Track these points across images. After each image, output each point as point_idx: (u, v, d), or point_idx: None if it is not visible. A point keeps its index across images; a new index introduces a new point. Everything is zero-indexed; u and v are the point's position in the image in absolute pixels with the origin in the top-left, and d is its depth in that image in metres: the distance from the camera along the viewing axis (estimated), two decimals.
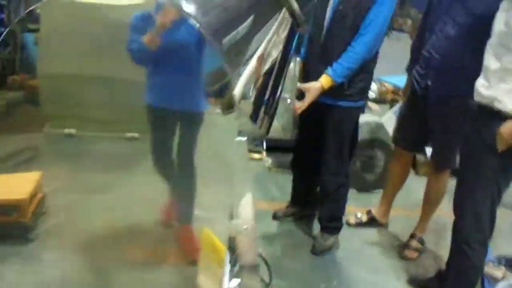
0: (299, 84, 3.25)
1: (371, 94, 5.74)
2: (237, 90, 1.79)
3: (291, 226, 3.94)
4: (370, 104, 5.44)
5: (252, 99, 1.94)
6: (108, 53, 1.52)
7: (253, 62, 1.86)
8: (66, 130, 1.59)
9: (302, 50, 3.48)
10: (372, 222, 3.98)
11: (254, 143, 5.01)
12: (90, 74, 1.55)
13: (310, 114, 3.35)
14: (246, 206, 1.78)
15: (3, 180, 1.65)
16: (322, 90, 3.14)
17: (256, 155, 5.12)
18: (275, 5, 1.95)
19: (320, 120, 3.36)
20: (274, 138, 4.97)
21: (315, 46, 3.30)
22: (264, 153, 4.92)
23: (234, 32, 1.74)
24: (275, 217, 3.99)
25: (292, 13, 1.95)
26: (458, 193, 2.89)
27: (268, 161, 4.96)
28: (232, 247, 1.71)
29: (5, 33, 1.56)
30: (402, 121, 3.65)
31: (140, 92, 1.55)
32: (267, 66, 1.97)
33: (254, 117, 1.98)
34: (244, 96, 1.84)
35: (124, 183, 1.63)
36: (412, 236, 3.72)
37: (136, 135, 1.59)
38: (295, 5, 1.92)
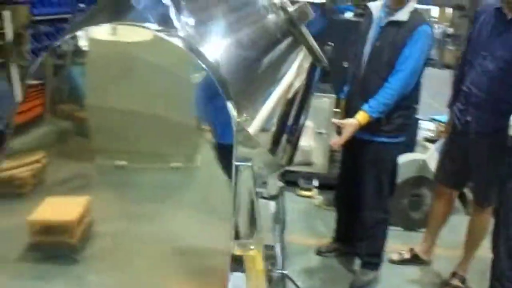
0: (335, 120, 3.32)
1: (428, 134, 5.69)
2: (255, 125, 1.91)
3: (333, 262, 3.96)
4: (426, 143, 5.41)
5: (273, 131, 2.04)
6: (147, 90, 1.66)
7: (274, 97, 1.97)
8: (117, 162, 1.69)
9: (345, 88, 3.58)
10: (415, 259, 3.94)
11: (305, 181, 5.12)
12: (133, 109, 1.67)
13: (350, 150, 3.42)
14: None
15: (54, 203, 1.76)
16: (358, 127, 3.20)
17: (306, 193, 5.22)
18: (295, 44, 2.05)
19: (359, 156, 3.42)
20: (325, 176, 5.03)
21: (355, 83, 3.39)
22: (315, 190, 5.02)
23: (253, 69, 1.86)
24: (318, 252, 4.03)
25: (310, 50, 2.06)
26: (495, 231, 2.87)
27: (319, 198, 5.02)
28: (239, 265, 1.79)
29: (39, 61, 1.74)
30: (444, 157, 3.65)
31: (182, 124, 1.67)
32: (288, 100, 2.07)
33: (274, 148, 2.08)
34: (264, 129, 1.95)
35: (169, 213, 1.70)
36: (454, 274, 3.66)
37: (180, 164, 1.68)
38: (313, 43, 2.03)
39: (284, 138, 2.15)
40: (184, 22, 1.74)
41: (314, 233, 4.45)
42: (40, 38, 6.19)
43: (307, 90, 2.21)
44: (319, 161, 4.47)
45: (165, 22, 1.71)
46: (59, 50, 1.69)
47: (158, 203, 1.70)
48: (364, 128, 3.23)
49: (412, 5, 3.23)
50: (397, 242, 4.20)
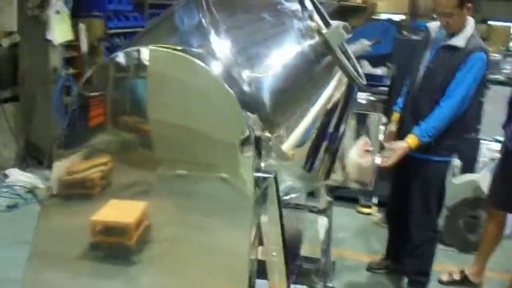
0: (386, 144, 3.35)
1: (493, 155, 5.60)
2: (290, 140, 2.04)
3: (382, 278, 3.99)
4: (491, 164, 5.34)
5: (308, 147, 2.16)
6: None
7: (310, 115, 2.09)
8: (178, 171, 1.80)
9: (399, 100, 3.65)
10: (465, 281, 3.90)
11: (365, 198, 5.19)
12: (186, 124, 1.80)
13: (400, 166, 3.47)
14: None
15: (116, 205, 1.87)
16: (408, 150, 3.24)
17: (366, 210, 5.28)
18: (332, 64, 2.15)
19: (407, 172, 3.46)
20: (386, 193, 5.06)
21: (408, 100, 3.46)
22: (375, 208, 5.06)
23: (290, 90, 1.99)
24: (369, 268, 4.07)
25: (344, 71, 2.14)
26: None
27: (378, 216, 5.05)
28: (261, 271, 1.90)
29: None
30: (496, 179, 3.63)
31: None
32: (324, 118, 2.18)
33: (308, 164, 2.20)
34: (299, 145, 2.08)
35: (224, 226, 1.77)
36: None
37: (227, 176, 1.75)
38: (346, 64, 2.11)
39: (320, 154, 2.26)
40: (222, 46, 1.91)
41: (368, 249, 4.50)
42: (114, 50, 6.41)
43: (345, 107, 2.30)
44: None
45: (204, 46, 1.88)
46: (119, 63, 1.89)
47: (213, 214, 1.79)
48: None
49: (469, 31, 3.25)
50: (450, 263, 4.19)
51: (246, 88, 1.85)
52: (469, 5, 3.17)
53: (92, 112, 1.93)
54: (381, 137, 3.17)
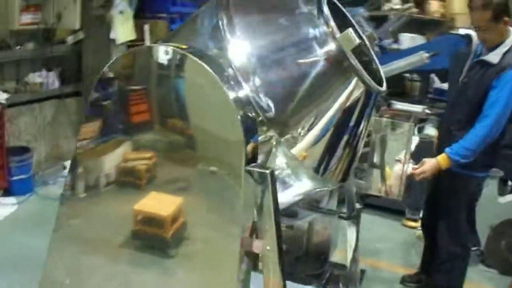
0: (414, 168, 3.29)
1: None
2: (303, 144, 2.10)
3: None
4: None
5: (321, 151, 2.20)
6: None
7: (325, 118, 2.14)
8: (212, 168, 1.90)
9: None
10: None
11: (410, 211, 5.15)
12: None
13: (434, 179, 3.43)
14: None
15: (156, 197, 1.97)
16: (438, 168, 3.20)
17: (411, 223, 5.25)
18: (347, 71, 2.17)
19: (437, 185, 3.42)
20: None
21: (445, 113, 3.43)
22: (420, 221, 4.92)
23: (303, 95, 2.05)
24: (402, 281, 4.03)
25: (359, 77, 2.16)
26: None
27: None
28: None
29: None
30: None
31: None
32: (338, 124, 2.21)
33: (323, 166, 2.24)
34: (312, 145, 2.13)
35: (222, 221, 1.87)
36: None
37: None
38: (360, 70, 2.13)
39: (335, 158, 2.29)
40: (236, 49, 1.99)
41: (406, 263, 4.45)
42: None
43: (362, 111, 2.31)
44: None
45: (219, 48, 1.99)
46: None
47: (214, 210, 1.90)
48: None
49: (508, 45, 3.16)
50: (489, 285, 4.10)
51: (251, 89, 1.93)
52: (506, 18, 3.08)
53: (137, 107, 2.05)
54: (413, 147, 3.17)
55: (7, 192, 5.03)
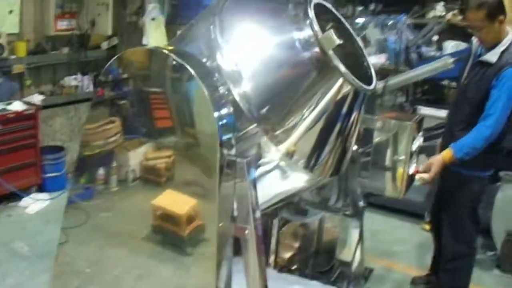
0: (420, 169, 3.31)
1: None
2: (291, 139, 2.24)
3: None
4: None
5: (309, 148, 2.33)
6: None
7: (307, 120, 2.27)
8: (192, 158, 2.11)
9: None
10: None
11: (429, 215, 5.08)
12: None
13: (441, 181, 3.49)
14: None
15: (174, 196, 2.14)
16: (443, 164, 3.22)
17: (429, 227, 5.21)
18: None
19: (441, 184, 3.49)
20: None
21: (450, 111, 3.53)
22: None
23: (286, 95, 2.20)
24: (412, 282, 4.07)
25: (337, 72, 2.26)
26: None
27: None
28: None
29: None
30: None
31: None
32: (325, 124, 2.33)
33: (313, 160, 2.37)
34: (298, 144, 2.27)
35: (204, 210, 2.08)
36: None
37: None
38: (342, 69, 2.23)
39: (325, 150, 2.41)
40: (225, 52, 2.15)
41: (421, 265, 4.46)
42: None
43: (349, 113, 2.42)
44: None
45: (210, 51, 2.17)
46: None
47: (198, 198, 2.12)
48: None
49: (505, 44, 3.17)
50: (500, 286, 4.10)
51: (235, 87, 2.10)
52: (501, 17, 3.10)
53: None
54: (414, 147, 3.23)
55: (41, 189, 5.30)
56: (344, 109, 2.38)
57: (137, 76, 2.24)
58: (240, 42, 2.23)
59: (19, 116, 4.99)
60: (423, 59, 7.13)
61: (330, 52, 2.17)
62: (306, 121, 2.26)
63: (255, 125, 2.14)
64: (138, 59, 2.23)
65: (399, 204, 5.06)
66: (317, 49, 2.19)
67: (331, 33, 2.13)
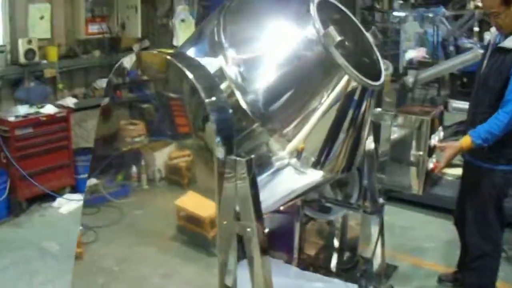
0: (438, 144, 3.23)
1: None
2: (299, 137, 2.26)
3: None
4: None
5: (319, 144, 2.34)
6: None
7: (318, 113, 2.27)
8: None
9: None
10: None
11: None
12: None
13: (465, 177, 3.45)
14: None
15: (197, 198, 2.19)
16: (460, 150, 3.21)
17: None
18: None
19: (464, 179, 3.44)
20: None
21: (471, 101, 3.48)
22: None
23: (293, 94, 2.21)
24: (439, 280, 4.03)
25: (339, 68, 2.26)
26: None
27: None
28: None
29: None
30: None
31: None
32: (333, 121, 2.33)
33: (323, 156, 2.37)
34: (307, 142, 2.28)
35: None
36: None
37: None
38: (346, 66, 2.23)
39: (334, 148, 2.40)
40: (229, 52, 2.19)
41: (449, 262, 4.40)
42: None
43: (357, 110, 2.41)
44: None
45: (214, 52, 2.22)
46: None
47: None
48: (469, 152, 3.27)
49: None
50: None
51: (238, 89, 2.13)
52: None
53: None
54: (433, 141, 3.19)
55: (74, 189, 5.45)
56: (354, 102, 2.36)
57: (144, 78, 2.30)
58: (244, 42, 2.26)
59: (51, 119, 5.15)
60: (461, 51, 7.03)
61: (332, 49, 2.16)
62: (314, 116, 2.26)
63: (258, 124, 2.16)
64: (152, 61, 2.28)
65: (429, 200, 5.01)
66: (320, 47, 2.20)
67: (332, 29, 2.12)
